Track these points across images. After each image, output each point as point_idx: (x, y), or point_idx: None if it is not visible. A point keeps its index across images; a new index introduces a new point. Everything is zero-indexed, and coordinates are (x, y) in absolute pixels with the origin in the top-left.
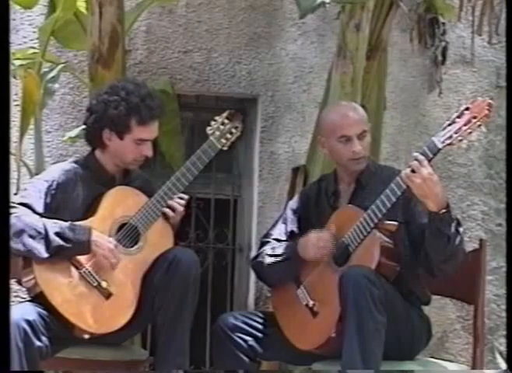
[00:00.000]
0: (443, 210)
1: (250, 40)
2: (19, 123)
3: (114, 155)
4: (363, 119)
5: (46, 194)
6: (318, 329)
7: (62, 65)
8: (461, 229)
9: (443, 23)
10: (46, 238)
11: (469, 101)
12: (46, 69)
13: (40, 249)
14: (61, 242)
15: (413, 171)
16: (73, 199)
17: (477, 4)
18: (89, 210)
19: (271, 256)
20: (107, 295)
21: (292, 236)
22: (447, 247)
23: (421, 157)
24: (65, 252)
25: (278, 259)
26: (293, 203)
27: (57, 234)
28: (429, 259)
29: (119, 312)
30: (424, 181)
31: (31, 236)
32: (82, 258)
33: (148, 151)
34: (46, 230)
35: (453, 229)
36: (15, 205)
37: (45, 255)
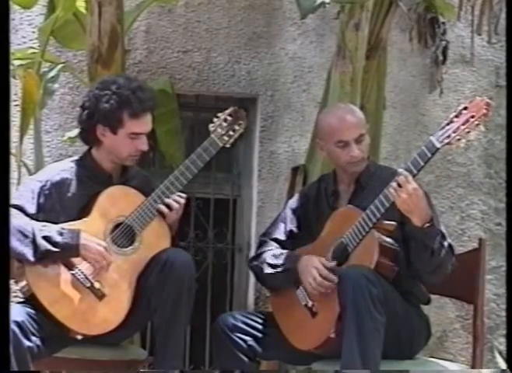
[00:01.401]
0: (427, 225)
1: (249, 39)
2: (18, 123)
3: (110, 152)
4: (361, 122)
5: (39, 194)
6: (317, 329)
7: (62, 65)
8: (445, 242)
9: (443, 23)
10: (33, 242)
11: (468, 100)
12: (45, 69)
13: (27, 252)
14: (49, 247)
15: (399, 185)
16: (69, 198)
17: (476, 3)
18: (85, 209)
19: (271, 265)
20: (101, 296)
21: (291, 236)
22: (432, 260)
23: (406, 172)
24: (53, 256)
25: (278, 269)
26: (293, 202)
27: (45, 238)
28: (416, 271)
29: (112, 313)
30: (409, 196)
31: (19, 240)
32: (74, 259)
33: (143, 145)
34: (34, 234)
35: (437, 243)
36: None
37: (32, 259)
